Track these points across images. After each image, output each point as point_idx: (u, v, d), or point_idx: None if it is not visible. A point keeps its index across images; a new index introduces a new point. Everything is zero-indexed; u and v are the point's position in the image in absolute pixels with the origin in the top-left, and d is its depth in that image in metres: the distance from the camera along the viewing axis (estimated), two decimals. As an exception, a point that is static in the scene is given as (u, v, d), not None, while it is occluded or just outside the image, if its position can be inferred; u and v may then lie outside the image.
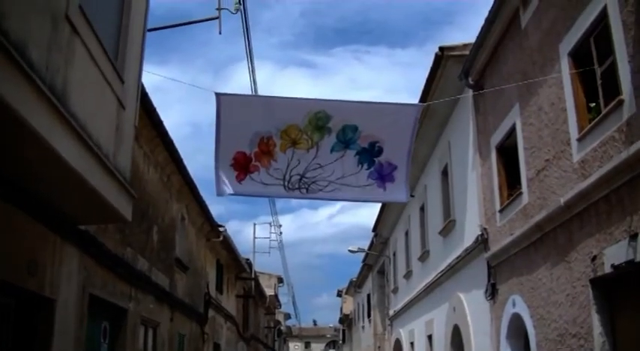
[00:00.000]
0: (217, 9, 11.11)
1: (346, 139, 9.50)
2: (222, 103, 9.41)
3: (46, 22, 5.91)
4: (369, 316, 37.95)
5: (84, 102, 6.88)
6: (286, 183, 9.71)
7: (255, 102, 10.23)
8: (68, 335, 9.16)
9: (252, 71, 12.66)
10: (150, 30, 10.20)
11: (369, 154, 9.65)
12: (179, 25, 11.57)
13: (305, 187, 9.76)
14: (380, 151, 9.64)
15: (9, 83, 5.06)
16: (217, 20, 11.31)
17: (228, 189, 9.79)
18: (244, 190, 9.86)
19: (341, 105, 9.68)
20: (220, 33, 11.11)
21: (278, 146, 9.53)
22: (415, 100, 16.84)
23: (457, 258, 15.42)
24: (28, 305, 8.17)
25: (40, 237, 8.14)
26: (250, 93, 12.49)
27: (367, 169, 9.74)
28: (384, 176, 9.79)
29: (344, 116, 9.49)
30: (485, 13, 12.05)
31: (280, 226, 42.20)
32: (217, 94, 9.38)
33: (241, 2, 11.13)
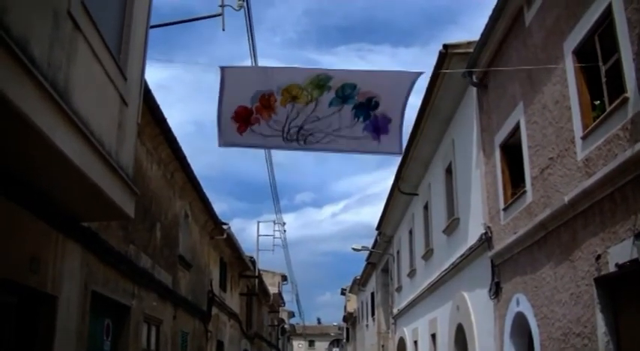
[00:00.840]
0: (220, 6, 11.11)
1: (345, 94, 9.93)
2: (226, 74, 9.83)
3: (48, 18, 5.89)
4: (372, 314, 37.92)
5: (86, 99, 6.87)
6: (285, 134, 10.05)
7: (257, 70, 10.71)
8: (70, 332, 9.16)
9: (256, 63, 12.61)
10: (153, 27, 10.19)
11: (366, 107, 10.05)
12: (182, 21, 11.55)
13: (303, 139, 10.10)
14: (376, 105, 10.03)
15: (11, 80, 5.05)
16: (221, 17, 11.31)
17: (229, 140, 10.18)
18: (244, 142, 10.19)
19: (342, 71, 10.11)
20: (224, 30, 11.12)
21: (278, 101, 9.90)
22: (418, 100, 16.84)
23: (461, 256, 15.38)
24: (30, 302, 8.18)
25: (42, 234, 8.14)
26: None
27: (363, 122, 10.13)
28: (378, 128, 10.14)
29: (344, 77, 9.89)
30: (488, 13, 12.02)
31: (284, 223, 42.13)
32: (222, 68, 9.79)
33: (244, -1, 11.12)
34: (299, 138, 10.03)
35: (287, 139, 10.05)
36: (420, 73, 10.06)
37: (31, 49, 5.44)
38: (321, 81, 9.73)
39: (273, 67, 10.36)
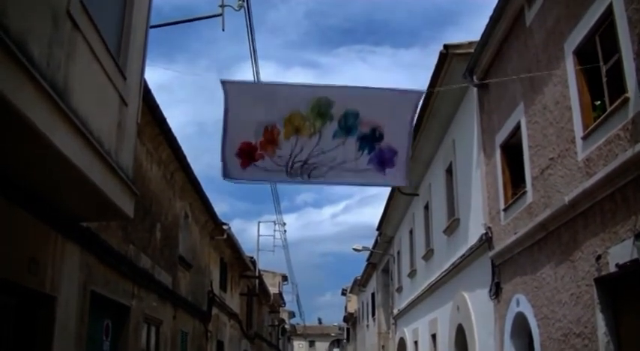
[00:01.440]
0: (220, 6, 11.10)
1: (348, 125, 9.86)
2: (229, 92, 9.79)
3: (47, 17, 5.88)
4: (373, 314, 37.91)
5: (85, 98, 6.85)
6: (289, 169, 10.02)
7: (259, 90, 10.50)
8: (69, 333, 9.15)
9: (255, 62, 12.60)
10: (153, 27, 10.19)
11: (370, 139, 9.99)
12: (182, 21, 11.53)
13: (307, 173, 10.06)
14: (381, 137, 9.94)
15: (9, 79, 5.04)
16: (221, 18, 11.29)
17: (234, 174, 10.13)
18: (248, 176, 10.17)
19: (343, 91, 9.98)
20: (223, 30, 11.10)
21: (282, 134, 9.85)
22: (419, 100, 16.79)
23: (461, 257, 15.36)
24: (29, 303, 8.16)
25: (42, 235, 8.13)
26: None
27: (368, 154, 10.07)
28: (384, 161, 10.10)
29: (346, 102, 9.79)
30: (488, 14, 12.01)
31: (284, 224, 42.10)
32: (223, 82, 9.79)
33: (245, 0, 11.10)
34: (303, 172, 10.01)
35: (291, 174, 10.02)
36: (422, 93, 10.07)
37: (30, 49, 5.43)
38: (322, 107, 9.68)
39: (274, 84, 10.29)
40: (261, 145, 9.87)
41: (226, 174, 10.14)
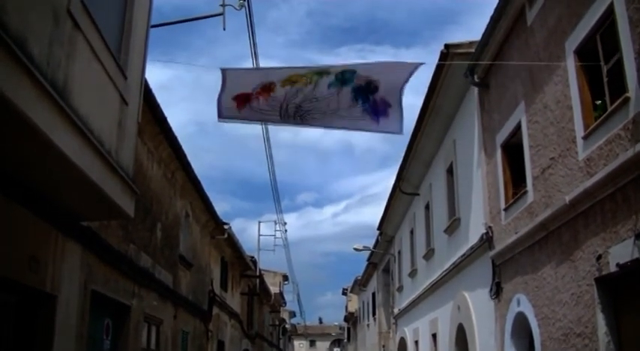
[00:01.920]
0: (221, 5, 11.09)
1: (344, 78, 9.95)
2: (227, 75, 9.93)
3: (47, 16, 5.87)
4: (374, 314, 37.91)
5: (85, 97, 6.85)
6: (282, 112, 10.10)
7: (259, 71, 10.82)
8: (70, 332, 9.14)
9: (256, 57, 12.62)
10: (154, 26, 10.19)
11: (365, 90, 10.04)
12: (183, 21, 11.52)
13: (299, 116, 10.14)
14: (376, 89, 10.05)
15: (9, 78, 5.04)
16: (222, 17, 11.29)
17: (228, 114, 10.23)
18: (242, 116, 10.24)
19: (342, 65, 10.17)
20: (224, 29, 11.11)
21: (278, 85, 9.97)
22: (420, 100, 16.83)
23: (462, 256, 15.37)
24: (29, 302, 8.16)
25: (42, 233, 8.12)
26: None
27: (362, 105, 10.12)
28: (378, 111, 10.20)
29: (344, 66, 10.00)
30: (488, 14, 12.01)
31: (285, 223, 42.09)
32: (223, 69, 9.86)
33: (245, -2, 11.11)
34: (296, 115, 10.10)
35: (284, 117, 10.11)
36: (420, 64, 10.05)
37: (30, 48, 5.42)
38: (320, 70, 9.91)
39: (274, 68, 10.39)
40: (257, 93, 10.00)
41: (221, 114, 10.22)
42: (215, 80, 9.79)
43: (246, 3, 11.02)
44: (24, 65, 5.22)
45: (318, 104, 9.98)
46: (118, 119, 8.13)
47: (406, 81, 9.90)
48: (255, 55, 12.56)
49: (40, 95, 5.61)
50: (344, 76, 9.82)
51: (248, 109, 10.06)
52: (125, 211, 8.39)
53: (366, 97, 9.97)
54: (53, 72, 5.97)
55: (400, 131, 10.47)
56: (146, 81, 10.08)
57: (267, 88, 9.85)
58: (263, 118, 10.42)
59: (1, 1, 4.94)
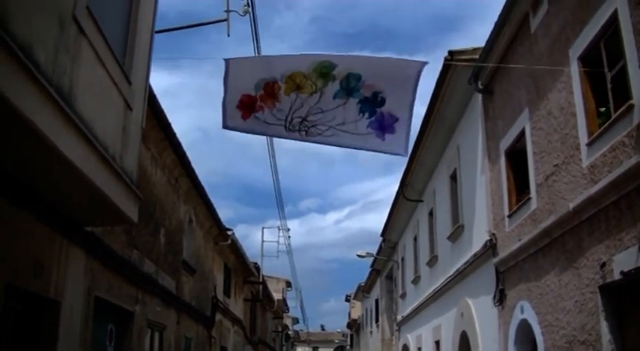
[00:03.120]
0: (226, 11, 11.09)
1: (350, 86, 9.70)
2: (231, 65, 9.73)
3: (53, 22, 5.89)
4: (377, 321, 37.87)
5: (90, 103, 6.87)
6: (287, 124, 9.92)
7: (260, 60, 10.51)
8: (73, 337, 9.14)
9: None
10: (158, 32, 10.19)
11: (372, 103, 9.83)
12: (187, 27, 11.53)
13: (305, 130, 9.96)
14: (382, 102, 9.80)
15: (15, 85, 5.06)
16: (226, 22, 11.29)
17: (233, 124, 10.09)
18: (247, 128, 10.10)
19: (346, 57, 9.89)
20: (229, 35, 11.07)
21: (282, 89, 9.73)
22: (423, 107, 16.84)
23: (465, 263, 15.35)
24: (33, 307, 8.16)
25: (46, 239, 8.12)
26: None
27: (368, 118, 9.91)
28: (384, 127, 9.94)
29: (348, 65, 9.65)
30: (491, 21, 12.02)
31: (289, 230, 42.05)
32: (226, 60, 9.69)
33: (250, 5, 11.10)
34: (301, 129, 9.92)
35: (289, 129, 9.94)
36: (425, 63, 9.92)
37: (36, 54, 5.44)
38: (324, 68, 9.57)
39: (277, 56, 10.23)
40: (261, 98, 9.79)
41: (226, 123, 10.08)
42: (218, 86, 9.76)
43: (250, 9, 11.03)
44: (30, 72, 5.25)
45: (323, 117, 9.81)
46: (122, 125, 8.14)
47: (415, 88, 9.76)
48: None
49: (46, 101, 5.63)
50: (349, 83, 9.64)
51: (253, 119, 9.93)
52: (129, 217, 8.40)
53: (372, 111, 9.81)
54: (58, 78, 5.99)
55: (405, 152, 10.31)
56: (150, 86, 10.09)
57: (271, 92, 9.73)
58: (267, 131, 10.30)
59: (8, 8, 4.95)
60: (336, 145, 10.38)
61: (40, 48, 5.55)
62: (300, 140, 10.10)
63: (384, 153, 10.29)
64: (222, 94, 9.90)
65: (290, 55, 10.03)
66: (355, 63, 9.72)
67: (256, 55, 12.01)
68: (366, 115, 9.84)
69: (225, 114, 10.03)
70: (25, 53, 5.17)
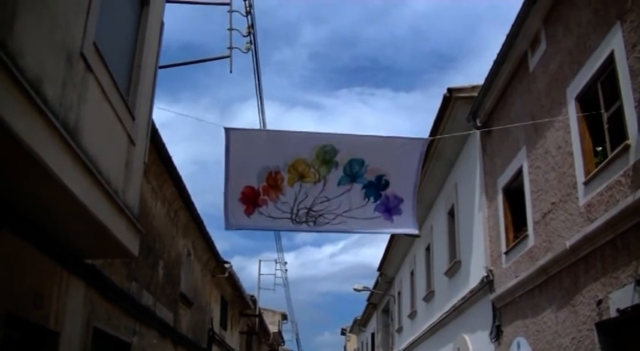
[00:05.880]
0: (229, 48, 11.25)
1: (353, 172, 9.62)
2: (231, 138, 9.51)
3: (61, 59, 6.01)
4: (373, 355, 37.68)
5: (95, 138, 6.97)
6: (294, 216, 9.76)
7: (263, 136, 10.27)
8: (71, 369, 9.15)
9: (262, 107, 12.75)
10: (162, 67, 10.32)
11: (376, 187, 9.74)
12: (190, 63, 11.70)
13: (312, 221, 9.81)
14: (386, 185, 9.71)
15: (23, 119, 5.15)
16: (229, 59, 11.44)
17: (237, 223, 9.83)
18: (252, 224, 9.88)
19: (347, 139, 9.78)
20: (231, 72, 11.24)
21: (286, 180, 9.61)
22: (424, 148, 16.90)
23: (462, 299, 15.36)
24: (32, 337, 8.18)
25: (47, 270, 8.18)
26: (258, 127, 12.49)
27: (374, 202, 9.83)
28: (390, 209, 9.86)
29: (350, 150, 9.59)
30: (488, 59, 12.17)
31: (286, 263, 41.98)
32: (226, 129, 9.49)
33: (252, 42, 11.26)
34: (308, 219, 9.78)
35: (296, 221, 9.79)
36: (427, 141, 9.93)
37: (44, 90, 5.55)
38: (326, 154, 9.52)
39: (278, 131, 10.00)
40: (264, 190, 9.66)
41: (230, 223, 9.88)
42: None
43: (252, 47, 11.20)
44: (38, 107, 5.35)
45: (329, 205, 9.73)
46: (126, 159, 8.24)
47: (418, 168, 9.73)
48: (260, 105, 12.71)
49: (52, 135, 5.73)
50: (352, 169, 9.55)
51: (257, 215, 9.74)
52: (130, 250, 8.47)
53: (377, 195, 9.77)
54: (65, 113, 6.09)
55: (416, 230, 10.25)
56: (153, 121, 10.18)
57: (273, 184, 9.57)
58: (274, 226, 10.15)
59: (20, 45, 5.07)
60: (346, 232, 10.30)
61: (49, 84, 5.66)
62: (309, 231, 9.99)
63: (396, 233, 10.23)
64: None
65: (292, 131, 9.85)
66: (357, 146, 9.65)
67: (258, 104, 12.04)
68: (372, 199, 9.79)
69: (227, 210, 9.83)
70: (34, 89, 5.28)
